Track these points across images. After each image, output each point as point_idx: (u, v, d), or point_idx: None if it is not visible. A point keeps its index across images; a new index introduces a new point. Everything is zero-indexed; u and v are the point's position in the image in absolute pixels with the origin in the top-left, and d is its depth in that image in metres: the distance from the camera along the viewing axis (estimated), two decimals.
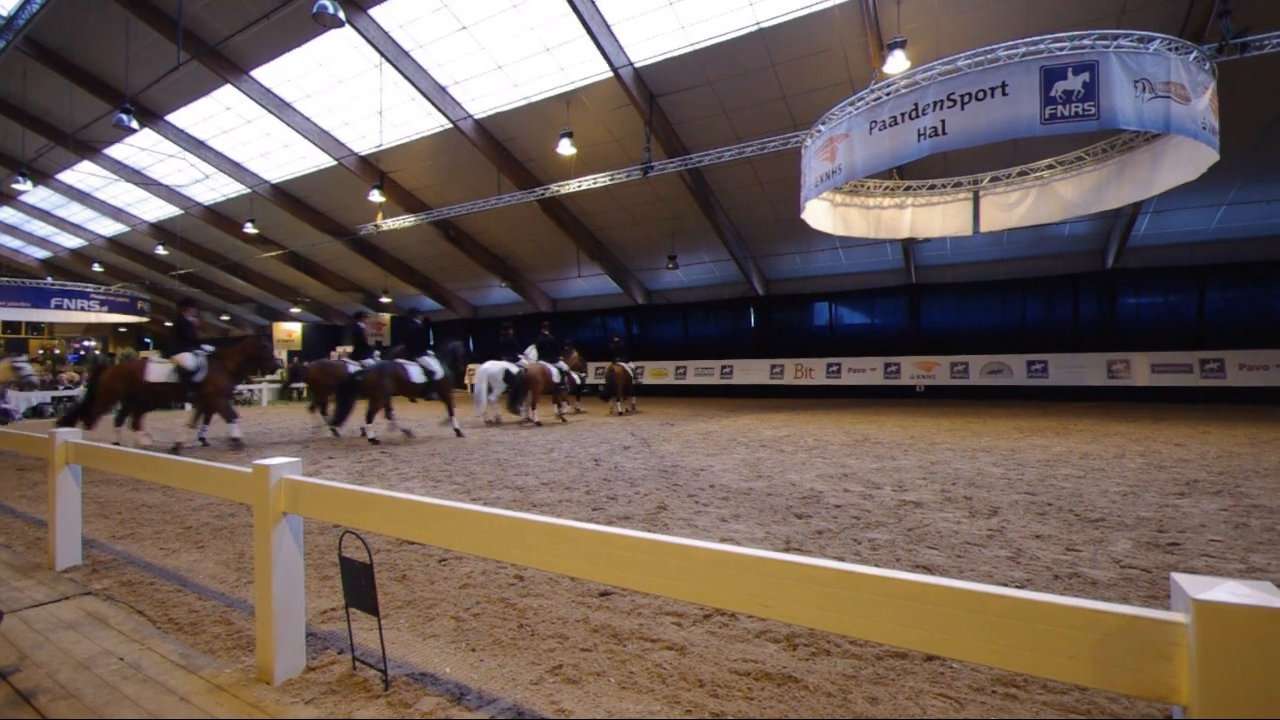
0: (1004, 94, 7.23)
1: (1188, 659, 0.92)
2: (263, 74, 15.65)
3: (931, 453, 7.75)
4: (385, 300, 27.29)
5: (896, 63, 9.63)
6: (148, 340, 30.49)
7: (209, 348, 8.96)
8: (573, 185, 16.20)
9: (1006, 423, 11.25)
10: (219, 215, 23.41)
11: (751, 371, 20.82)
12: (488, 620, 2.88)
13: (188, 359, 8.46)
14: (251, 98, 15.98)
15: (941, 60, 7.87)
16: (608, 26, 12.57)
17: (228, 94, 16.45)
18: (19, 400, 16.79)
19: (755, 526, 4.39)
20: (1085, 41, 7.13)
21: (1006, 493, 5.36)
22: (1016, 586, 2.99)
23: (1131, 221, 14.86)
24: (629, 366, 14.93)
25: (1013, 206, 11.55)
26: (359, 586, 2.33)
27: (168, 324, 9.62)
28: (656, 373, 22.42)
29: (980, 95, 7.32)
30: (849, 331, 20.17)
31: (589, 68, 13.71)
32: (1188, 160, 8.72)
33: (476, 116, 15.90)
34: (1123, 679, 0.95)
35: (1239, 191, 13.74)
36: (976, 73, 7.40)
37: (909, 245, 17.03)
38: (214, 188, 21.75)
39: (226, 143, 19.13)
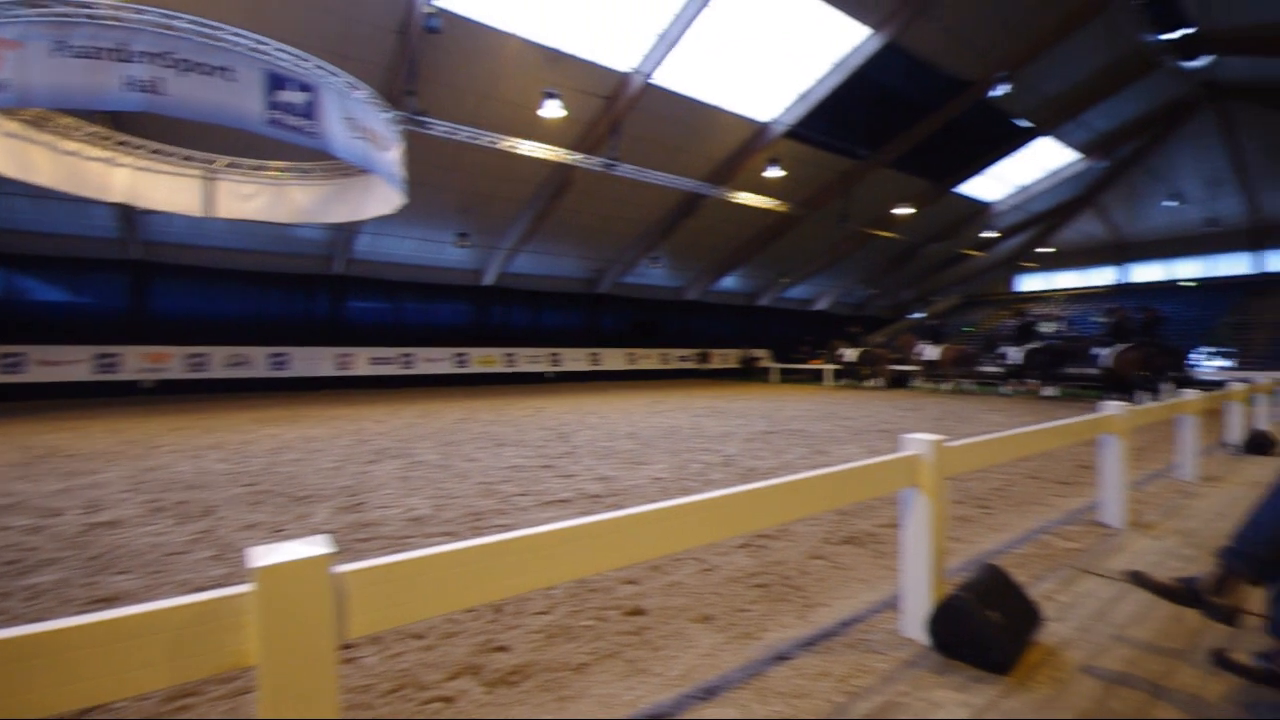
0: (233, 79, 6.99)
1: (257, 623, 1.06)
2: None
3: (149, 459, 6.78)
4: None
5: None
6: None
7: None
8: None
9: (244, 415, 11.05)
10: None
11: None
12: None
13: None
14: None
15: (159, 10, 6.92)
16: None
17: None
18: None
19: None
20: (309, 64, 7.67)
21: (227, 488, 5.23)
22: (219, 584, 2.95)
23: (352, 236, 17.39)
24: None
25: (249, 198, 11.42)
26: None
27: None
28: None
29: (206, 70, 6.81)
30: (43, 310, 15.31)
31: None
32: (387, 197, 10.58)
33: None
34: (197, 665, 1.00)
35: (420, 230, 18.45)
36: (200, 43, 6.86)
37: (133, 214, 14.29)
38: None
39: None
